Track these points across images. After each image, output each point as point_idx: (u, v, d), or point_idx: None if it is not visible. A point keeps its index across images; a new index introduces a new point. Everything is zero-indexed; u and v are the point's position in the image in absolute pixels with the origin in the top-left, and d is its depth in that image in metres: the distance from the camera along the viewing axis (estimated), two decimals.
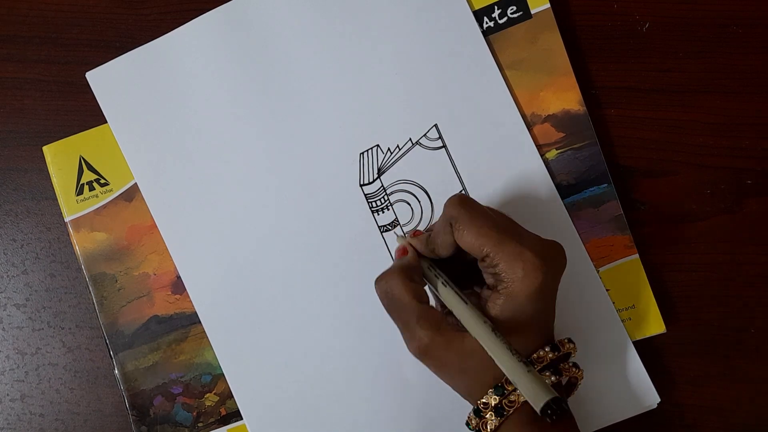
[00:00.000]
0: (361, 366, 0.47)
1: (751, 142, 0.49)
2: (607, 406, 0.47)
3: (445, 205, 0.40)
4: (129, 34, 0.50)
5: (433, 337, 0.39)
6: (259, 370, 0.47)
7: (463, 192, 0.41)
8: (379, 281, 0.41)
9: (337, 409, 0.47)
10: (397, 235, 0.47)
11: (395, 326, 0.43)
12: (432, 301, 0.42)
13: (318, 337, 0.47)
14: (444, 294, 0.40)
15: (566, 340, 0.40)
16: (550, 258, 0.39)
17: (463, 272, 0.42)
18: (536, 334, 0.39)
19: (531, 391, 0.36)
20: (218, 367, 0.48)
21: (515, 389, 0.38)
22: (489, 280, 0.40)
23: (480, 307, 0.39)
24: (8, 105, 0.50)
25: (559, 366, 0.40)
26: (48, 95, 0.50)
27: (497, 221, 0.39)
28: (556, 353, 0.39)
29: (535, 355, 0.39)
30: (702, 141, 0.49)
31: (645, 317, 0.47)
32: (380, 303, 0.42)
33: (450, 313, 0.40)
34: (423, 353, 0.39)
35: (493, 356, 0.37)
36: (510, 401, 0.38)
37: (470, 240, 0.39)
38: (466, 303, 0.39)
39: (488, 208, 0.42)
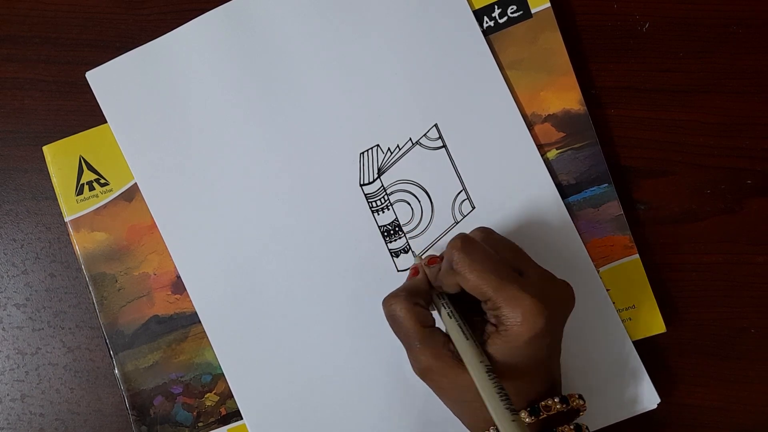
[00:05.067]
0: (360, 366, 0.47)
1: (751, 142, 0.49)
2: (607, 406, 0.47)
3: (447, 245, 0.40)
4: (129, 34, 0.50)
5: (432, 363, 0.39)
6: (259, 370, 0.47)
7: (464, 234, 0.40)
8: (386, 302, 0.41)
9: (337, 409, 0.47)
10: (415, 255, 0.47)
11: None
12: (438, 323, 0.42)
13: (318, 337, 0.47)
14: (447, 324, 0.40)
15: (577, 395, 0.40)
16: (554, 301, 0.39)
17: (475, 305, 0.42)
18: (537, 379, 0.39)
19: None
20: (218, 367, 0.48)
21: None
22: (492, 320, 0.40)
23: (483, 343, 0.39)
24: (8, 105, 0.50)
25: (556, 428, 0.39)
26: (48, 95, 0.50)
27: (498, 264, 0.39)
28: (566, 406, 0.39)
29: (543, 403, 0.39)
30: (702, 141, 0.49)
31: (645, 317, 0.47)
32: (379, 303, 0.42)
33: None
34: (423, 375, 0.41)
35: (483, 396, 0.37)
36: None
37: (470, 284, 0.39)
38: (467, 338, 0.39)
39: (497, 238, 0.42)
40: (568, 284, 0.41)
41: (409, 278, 0.44)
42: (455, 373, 0.39)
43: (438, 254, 0.44)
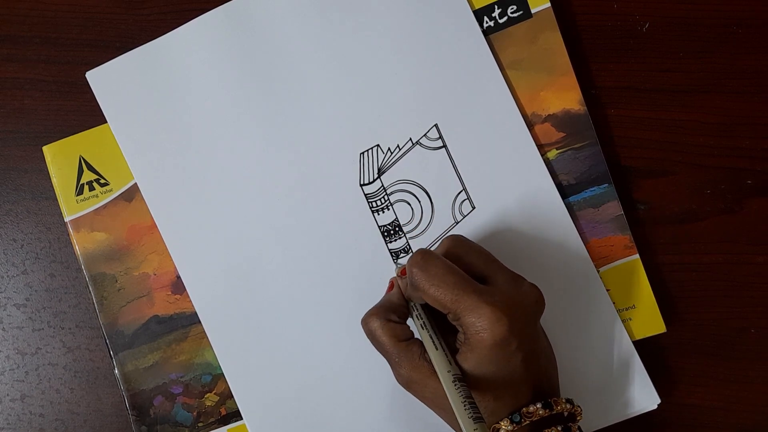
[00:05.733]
0: (360, 366, 0.47)
1: (751, 142, 0.49)
2: (607, 406, 0.47)
3: (407, 261, 0.41)
4: (129, 34, 0.50)
5: (412, 374, 0.40)
6: (259, 370, 0.47)
7: (423, 250, 0.41)
8: (363, 321, 0.42)
9: (337, 408, 0.47)
10: (397, 266, 0.47)
11: None
12: (417, 334, 0.42)
13: (318, 337, 0.47)
14: (421, 335, 0.41)
15: (564, 400, 0.40)
16: (518, 306, 0.39)
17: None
18: (517, 386, 0.39)
19: None
20: (218, 367, 0.48)
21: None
22: (460, 330, 0.40)
23: (455, 352, 0.40)
24: (8, 105, 0.50)
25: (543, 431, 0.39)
26: (48, 95, 0.50)
27: (456, 275, 0.39)
28: (549, 411, 0.39)
29: (525, 409, 0.39)
30: (702, 141, 0.49)
31: (645, 317, 0.47)
32: None
33: None
34: (407, 387, 0.42)
35: (452, 404, 0.37)
36: None
37: (429, 299, 0.40)
38: (436, 348, 0.40)
39: (466, 246, 0.42)
40: (535, 287, 0.41)
41: (387, 292, 0.44)
42: (434, 382, 0.40)
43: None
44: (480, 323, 0.38)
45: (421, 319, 0.41)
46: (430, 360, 0.40)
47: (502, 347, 0.38)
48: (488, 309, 0.38)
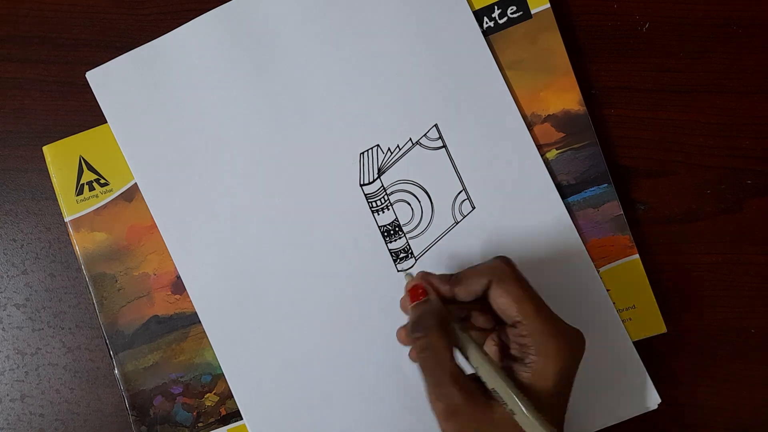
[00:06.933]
0: (360, 366, 0.47)
1: (751, 142, 0.49)
2: (607, 407, 0.47)
3: (493, 259, 0.40)
4: (129, 34, 0.50)
5: (465, 400, 0.37)
6: (259, 370, 0.47)
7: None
8: (420, 336, 0.38)
9: (337, 408, 0.47)
10: (412, 276, 0.42)
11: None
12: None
13: (318, 337, 0.47)
14: (474, 356, 0.38)
15: None
16: (575, 344, 0.39)
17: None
18: (555, 416, 0.38)
19: None
20: (218, 367, 0.48)
21: None
22: (514, 349, 0.38)
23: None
24: (8, 105, 0.50)
25: None
26: (48, 95, 0.50)
27: (537, 295, 0.39)
28: None
29: None
30: (702, 141, 0.49)
31: (645, 317, 0.47)
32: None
33: (474, 377, 0.38)
34: (450, 413, 0.37)
35: (531, 424, 0.36)
36: None
37: (509, 301, 0.38)
38: (500, 369, 0.37)
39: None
40: (580, 332, 0.40)
41: (412, 301, 0.40)
42: (487, 410, 0.37)
43: (421, 285, 0.40)
44: (555, 348, 0.37)
45: (471, 337, 0.39)
46: (479, 387, 0.37)
47: (563, 377, 0.37)
48: (563, 336, 0.38)
